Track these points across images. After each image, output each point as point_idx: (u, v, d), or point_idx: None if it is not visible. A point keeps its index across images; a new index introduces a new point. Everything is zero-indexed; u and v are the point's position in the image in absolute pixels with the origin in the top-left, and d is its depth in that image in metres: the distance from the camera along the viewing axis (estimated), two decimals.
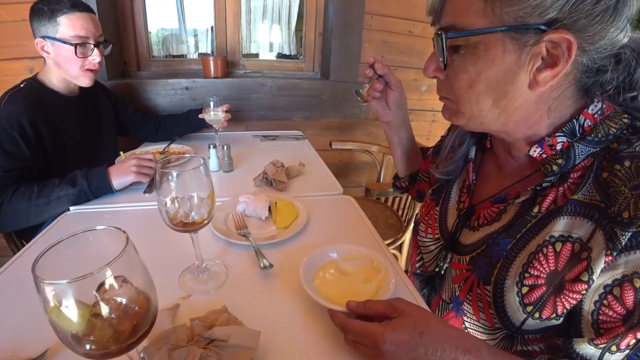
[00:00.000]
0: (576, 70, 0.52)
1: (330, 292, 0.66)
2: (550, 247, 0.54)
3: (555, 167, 0.55)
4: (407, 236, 1.67)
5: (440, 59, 0.57)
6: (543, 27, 0.47)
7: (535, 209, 0.57)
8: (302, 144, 1.76)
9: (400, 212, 1.84)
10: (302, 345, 0.59)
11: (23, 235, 1.24)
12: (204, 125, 1.60)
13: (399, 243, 1.66)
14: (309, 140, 1.82)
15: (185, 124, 1.67)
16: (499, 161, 0.70)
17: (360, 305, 0.56)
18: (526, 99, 0.54)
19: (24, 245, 0.84)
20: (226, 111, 1.49)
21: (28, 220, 1.03)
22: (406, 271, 0.82)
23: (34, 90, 1.20)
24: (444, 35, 0.54)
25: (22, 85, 1.19)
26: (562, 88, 0.53)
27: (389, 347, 0.48)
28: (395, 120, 0.93)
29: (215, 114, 1.45)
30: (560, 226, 0.53)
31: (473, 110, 0.58)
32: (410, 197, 1.51)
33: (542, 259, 0.54)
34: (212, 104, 1.43)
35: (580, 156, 0.53)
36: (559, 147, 0.55)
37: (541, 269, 0.54)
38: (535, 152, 0.58)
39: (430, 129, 2.39)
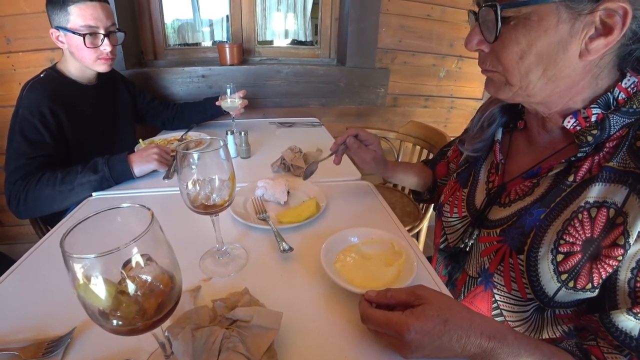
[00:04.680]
0: (623, 38, 0.50)
1: (351, 276, 0.66)
2: (585, 213, 0.54)
3: (590, 138, 0.55)
4: (425, 224, 1.65)
5: (491, 33, 0.54)
6: None
7: (570, 178, 0.57)
8: (319, 131, 1.74)
9: None
10: (324, 327, 0.59)
11: (49, 222, 1.27)
12: (220, 113, 1.61)
13: (416, 231, 1.64)
14: (325, 127, 1.80)
15: (202, 112, 1.68)
16: (531, 137, 0.70)
17: (381, 294, 0.54)
18: (574, 68, 0.53)
19: (49, 231, 0.86)
20: (242, 97, 1.48)
21: (52, 206, 1.06)
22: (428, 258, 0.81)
23: (54, 80, 1.22)
24: (498, 6, 0.51)
25: (42, 75, 1.21)
26: (608, 57, 0.53)
27: (414, 336, 0.47)
28: (377, 172, 0.99)
29: (232, 101, 1.45)
30: (594, 192, 0.54)
31: (522, 81, 0.56)
32: None
33: (577, 225, 0.54)
34: (229, 90, 1.43)
35: (615, 127, 0.54)
36: (593, 118, 0.56)
37: (576, 235, 0.54)
38: (569, 123, 0.58)
39: (449, 116, 2.34)
